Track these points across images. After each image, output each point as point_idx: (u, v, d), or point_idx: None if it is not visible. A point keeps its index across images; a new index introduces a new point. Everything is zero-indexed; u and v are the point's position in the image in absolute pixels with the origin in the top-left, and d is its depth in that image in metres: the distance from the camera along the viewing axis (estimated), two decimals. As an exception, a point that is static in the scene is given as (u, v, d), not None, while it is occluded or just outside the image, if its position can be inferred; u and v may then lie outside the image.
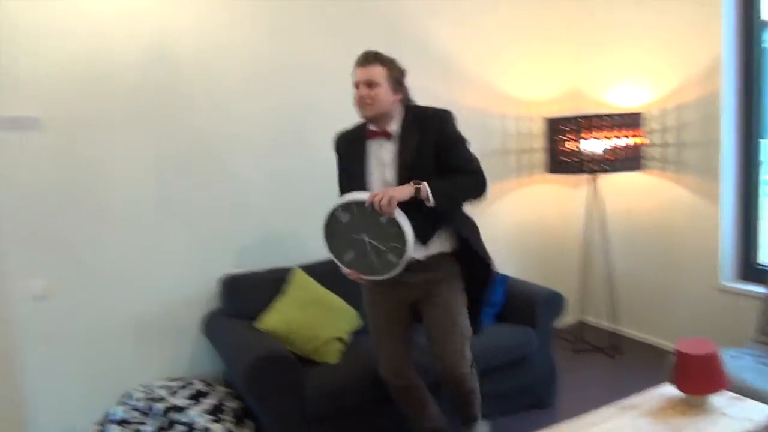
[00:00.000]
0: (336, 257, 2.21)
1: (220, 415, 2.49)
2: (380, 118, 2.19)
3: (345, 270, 2.25)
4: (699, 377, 1.94)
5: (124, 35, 2.66)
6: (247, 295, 2.83)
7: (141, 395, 2.59)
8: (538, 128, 3.84)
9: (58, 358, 2.65)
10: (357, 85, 2.18)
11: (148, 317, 2.84)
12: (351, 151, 2.28)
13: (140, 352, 2.82)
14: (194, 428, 2.41)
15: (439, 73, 3.49)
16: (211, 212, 2.94)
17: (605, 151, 3.38)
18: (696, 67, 3.27)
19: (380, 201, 1.99)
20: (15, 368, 2.58)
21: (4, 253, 2.52)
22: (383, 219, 2.03)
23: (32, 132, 2.52)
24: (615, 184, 3.79)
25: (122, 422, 2.46)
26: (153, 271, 2.82)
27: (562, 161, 3.53)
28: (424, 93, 3.39)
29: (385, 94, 2.16)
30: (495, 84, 3.72)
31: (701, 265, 3.38)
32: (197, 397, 2.59)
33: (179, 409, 2.51)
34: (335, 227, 2.15)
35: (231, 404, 2.58)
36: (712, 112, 3.22)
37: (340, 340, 2.73)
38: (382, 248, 2.08)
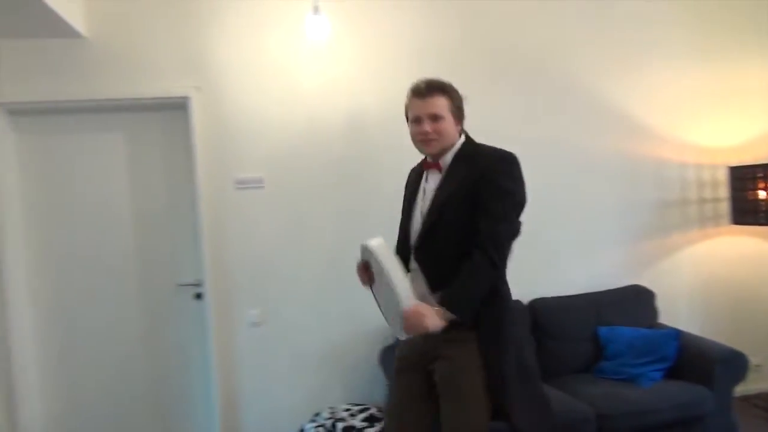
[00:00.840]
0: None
1: (391, 439, 2.81)
2: (440, 152, 1.99)
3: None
4: None
5: (327, 108, 3.23)
6: (418, 333, 3.15)
7: (328, 415, 3.02)
8: (722, 176, 3.64)
9: (266, 375, 3.22)
10: (417, 120, 1.95)
11: (336, 348, 3.30)
12: (411, 183, 2.13)
13: (330, 377, 3.29)
14: (368, 447, 2.76)
15: (610, 124, 3.55)
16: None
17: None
18: None
19: (409, 324, 1.77)
20: (234, 378, 3.20)
21: (233, 285, 3.19)
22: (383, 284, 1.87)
23: (257, 189, 3.19)
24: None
25: (312, 436, 2.91)
26: (340, 309, 3.28)
27: (750, 212, 3.31)
28: (595, 144, 3.51)
29: (450, 126, 1.94)
30: (673, 133, 3.63)
31: None
32: (372, 420, 2.94)
33: (357, 430, 2.89)
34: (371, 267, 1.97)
35: (400, 430, 2.89)
36: None
37: (501, 381, 2.89)
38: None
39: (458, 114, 1.97)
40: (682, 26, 3.62)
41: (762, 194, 3.24)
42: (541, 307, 3.25)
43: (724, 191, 3.64)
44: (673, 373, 2.95)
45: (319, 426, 2.95)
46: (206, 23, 3.11)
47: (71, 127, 3.16)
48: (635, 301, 3.33)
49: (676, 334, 3.02)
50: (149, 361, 3.26)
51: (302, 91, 3.19)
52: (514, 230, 1.89)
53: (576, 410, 2.65)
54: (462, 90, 3.29)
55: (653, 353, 2.99)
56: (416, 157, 3.38)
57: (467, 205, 1.86)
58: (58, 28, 2.84)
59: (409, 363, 2.05)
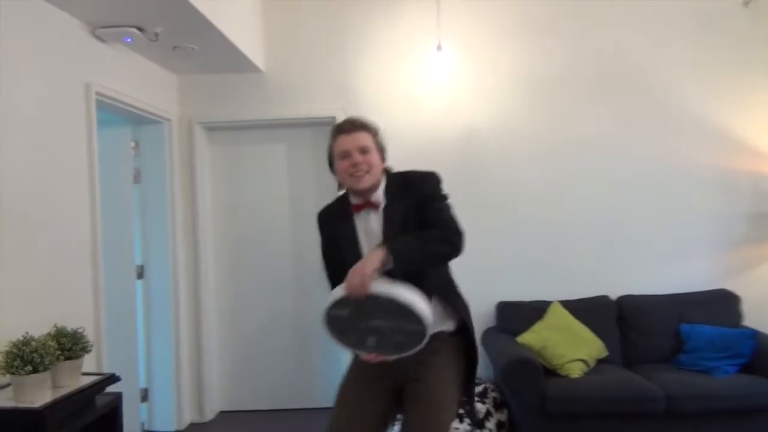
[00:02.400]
0: (358, 349, 1.92)
1: (484, 399, 3.40)
2: (369, 189, 1.98)
3: (366, 356, 1.90)
4: None
5: (445, 128, 3.91)
6: (514, 317, 3.71)
7: (435, 378, 3.68)
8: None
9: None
10: (346, 155, 1.94)
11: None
12: (338, 229, 2.03)
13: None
14: (466, 404, 3.37)
15: (708, 139, 3.87)
16: (495, 253, 3.93)
17: None
18: None
19: (354, 287, 1.74)
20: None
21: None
22: (379, 299, 1.79)
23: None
24: None
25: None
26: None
27: None
28: (693, 157, 3.87)
29: (377, 160, 1.98)
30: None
31: None
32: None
33: (458, 390, 3.52)
34: (341, 324, 1.88)
35: (493, 394, 3.47)
36: None
37: (584, 361, 3.37)
38: (402, 324, 1.83)
39: (382, 151, 2.02)
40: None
41: None
42: (627, 302, 3.68)
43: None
44: (748, 369, 3.24)
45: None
46: (350, 60, 3.94)
47: (248, 139, 4.13)
48: (720, 303, 3.62)
49: (753, 334, 3.30)
50: (298, 325, 4.13)
51: (425, 113, 3.90)
52: (459, 224, 1.97)
53: (646, 389, 3.07)
54: (568, 110, 3.86)
55: (730, 349, 3.29)
56: (529, 167, 3.93)
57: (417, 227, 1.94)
58: (245, 65, 3.79)
59: (379, 378, 2.02)
